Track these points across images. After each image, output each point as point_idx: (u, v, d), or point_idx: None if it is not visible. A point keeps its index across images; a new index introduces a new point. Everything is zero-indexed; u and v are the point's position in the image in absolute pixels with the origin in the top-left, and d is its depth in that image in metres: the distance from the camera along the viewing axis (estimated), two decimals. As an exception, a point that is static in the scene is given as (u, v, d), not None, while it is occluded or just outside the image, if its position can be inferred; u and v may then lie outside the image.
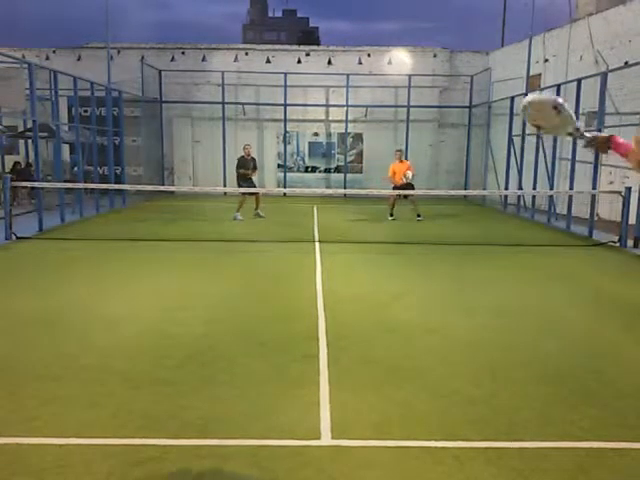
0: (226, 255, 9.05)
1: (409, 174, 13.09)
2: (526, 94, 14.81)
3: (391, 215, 13.62)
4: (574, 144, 12.14)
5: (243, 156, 13.30)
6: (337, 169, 20.88)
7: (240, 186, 13.00)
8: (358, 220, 13.80)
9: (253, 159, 13.50)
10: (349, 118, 19.90)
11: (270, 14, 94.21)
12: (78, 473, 2.95)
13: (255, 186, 13.71)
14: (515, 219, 14.45)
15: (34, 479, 2.90)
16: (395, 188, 13.34)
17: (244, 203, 13.15)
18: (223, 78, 19.51)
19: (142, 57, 19.78)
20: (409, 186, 13.20)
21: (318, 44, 44.88)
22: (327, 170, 21.00)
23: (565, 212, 12.50)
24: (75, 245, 9.76)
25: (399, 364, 4.47)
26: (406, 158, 19.56)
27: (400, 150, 14.11)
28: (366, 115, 20.37)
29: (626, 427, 3.51)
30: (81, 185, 12.69)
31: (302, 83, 19.89)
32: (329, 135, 20.86)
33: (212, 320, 5.54)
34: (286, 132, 20.25)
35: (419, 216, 13.38)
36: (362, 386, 4.05)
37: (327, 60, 20.37)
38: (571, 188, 12.15)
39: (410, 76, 19.59)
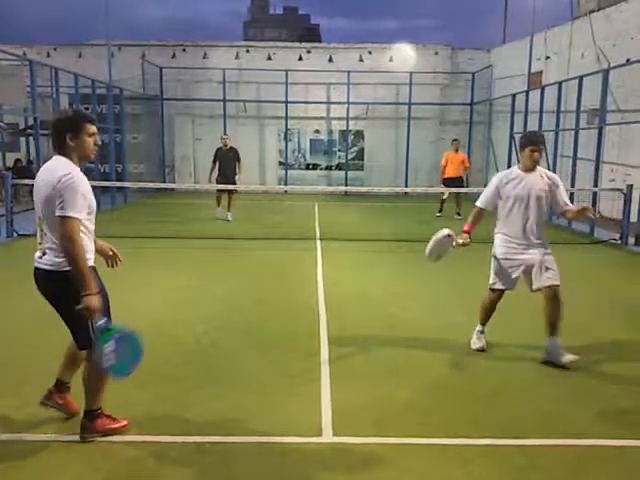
0: (227, 253, 9.06)
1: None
2: (527, 91, 14.81)
3: (440, 211, 13.35)
4: (575, 141, 12.13)
5: (220, 147, 12.40)
6: (338, 166, 20.84)
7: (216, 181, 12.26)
8: (359, 217, 13.79)
9: (233, 149, 12.37)
10: (350, 115, 19.87)
11: (271, 11, 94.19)
12: (80, 470, 2.96)
13: (233, 182, 12.17)
14: (516, 217, 14.38)
15: (37, 476, 2.92)
16: (445, 180, 13.05)
17: (220, 199, 12.49)
18: (224, 75, 19.49)
19: (143, 54, 19.75)
20: (458, 180, 12.97)
21: (319, 41, 44.84)
22: (328, 168, 20.96)
23: (566, 210, 12.46)
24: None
25: (400, 362, 4.48)
26: (407, 156, 19.78)
27: (457, 140, 13.79)
28: (367, 112, 20.34)
29: (627, 425, 3.51)
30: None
31: (303, 80, 19.84)
32: (330, 132, 20.83)
33: (214, 318, 5.55)
34: (287, 129, 20.23)
35: (458, 214, 12.88)
36: (363, 383, 4.06)
37: (328, 57, 20.31)
38: (572, 186, 12.13)
39: (411, 73, 19.56)
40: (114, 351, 2.96)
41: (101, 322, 2.98)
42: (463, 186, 13.10)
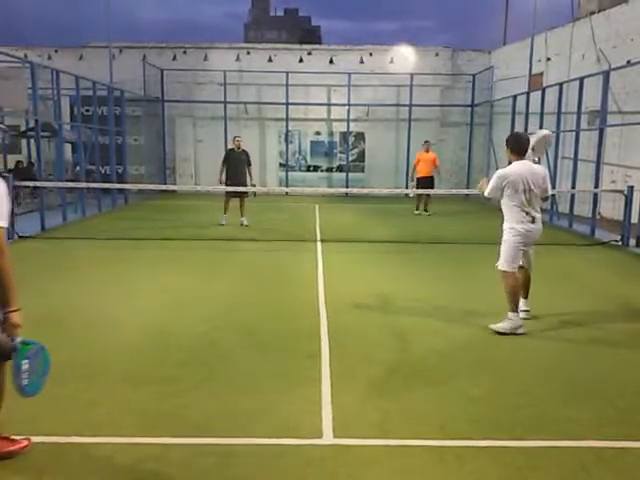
0: (228, 254, 9.06)
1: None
2: (528, 92, 14.81)
3: (417, 209, 14.53)
4: (576, 143, 12.12)
5: (232, 149, 11.92)
6: (339, 168, 20.85)
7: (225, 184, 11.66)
8: (360, 219, 13.79)
9: (245, 152, 11.91)
10: (351, 117, 19.87)
11: (272, 13, 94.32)
12: (79, 472, 2.96)
13: (245, 185, 11.74)
14: (517, 218, 14.38)
15: (35, 478, 2.91)
16: (418, 180, 14.19)
17: (228, 205, 11.86)
18: (225, 77, 19.50)
19: (144, 56, 19.78)
20: (430, 179, 14.12)
21: (320, 43, 44.89)
22: (329, 169, 20.97)
23: (567, 211, 12.47)
24: (77, 244, 9.77)
25: (400, 363, 4.47)
26: (408, 157, 19.77)
27: (428, 141, 14.89)
28: (368, 114, 20.35)
29: (627, 426, 3.51)
30: (83, 184, 12.71)
31: (304, 82, 19.84)
32: (331, 134, 20.84)
33: (213, 318, 5.54)
34: (288, 131, 20.24)
35: (426, 211, 14.32)
36: (364, 385, 4.05)
37: (329, 59, 20.33)
38: (573, 187, 12.12)
39: (412, 75, 19.57)
40: (28, 369, 2.87)
41: (18, 340, 2.87)
42: (434, 185, 14.20)
